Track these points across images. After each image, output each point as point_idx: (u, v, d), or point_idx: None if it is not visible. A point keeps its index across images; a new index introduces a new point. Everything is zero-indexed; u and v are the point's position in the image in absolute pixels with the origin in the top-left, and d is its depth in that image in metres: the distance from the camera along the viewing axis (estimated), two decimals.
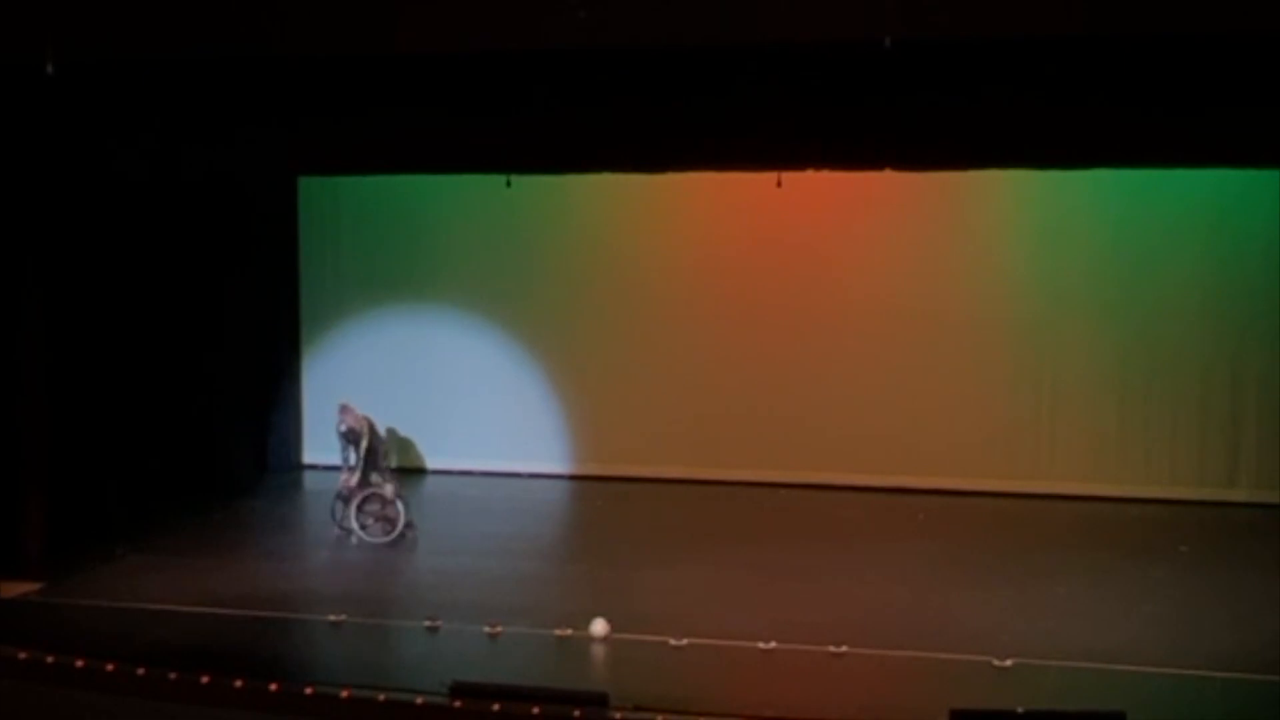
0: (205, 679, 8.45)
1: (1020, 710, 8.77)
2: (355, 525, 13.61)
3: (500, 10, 9.79)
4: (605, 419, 16.21)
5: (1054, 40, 9.65)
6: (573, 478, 16.27)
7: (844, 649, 10.66)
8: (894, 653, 10.65)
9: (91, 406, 13.80)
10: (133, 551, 13.24)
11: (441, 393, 16.33)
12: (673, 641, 10.81)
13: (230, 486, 15.43)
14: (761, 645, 10.75)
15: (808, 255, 15.66)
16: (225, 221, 15.40)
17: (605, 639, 11.01)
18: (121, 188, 13.73)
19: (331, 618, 11.47)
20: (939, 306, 15.41)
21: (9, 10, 10.07)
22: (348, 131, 12.04)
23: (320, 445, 16.09)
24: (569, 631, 11.07)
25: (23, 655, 8.78)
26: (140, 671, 8.68)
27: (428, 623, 11.29)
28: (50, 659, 8.68)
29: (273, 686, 8.59)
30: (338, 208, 16.64)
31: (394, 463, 14.65)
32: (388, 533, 13.59)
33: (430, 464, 16.40)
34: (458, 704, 8.60)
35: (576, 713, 8.41)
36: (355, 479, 13.67)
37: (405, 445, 16.06)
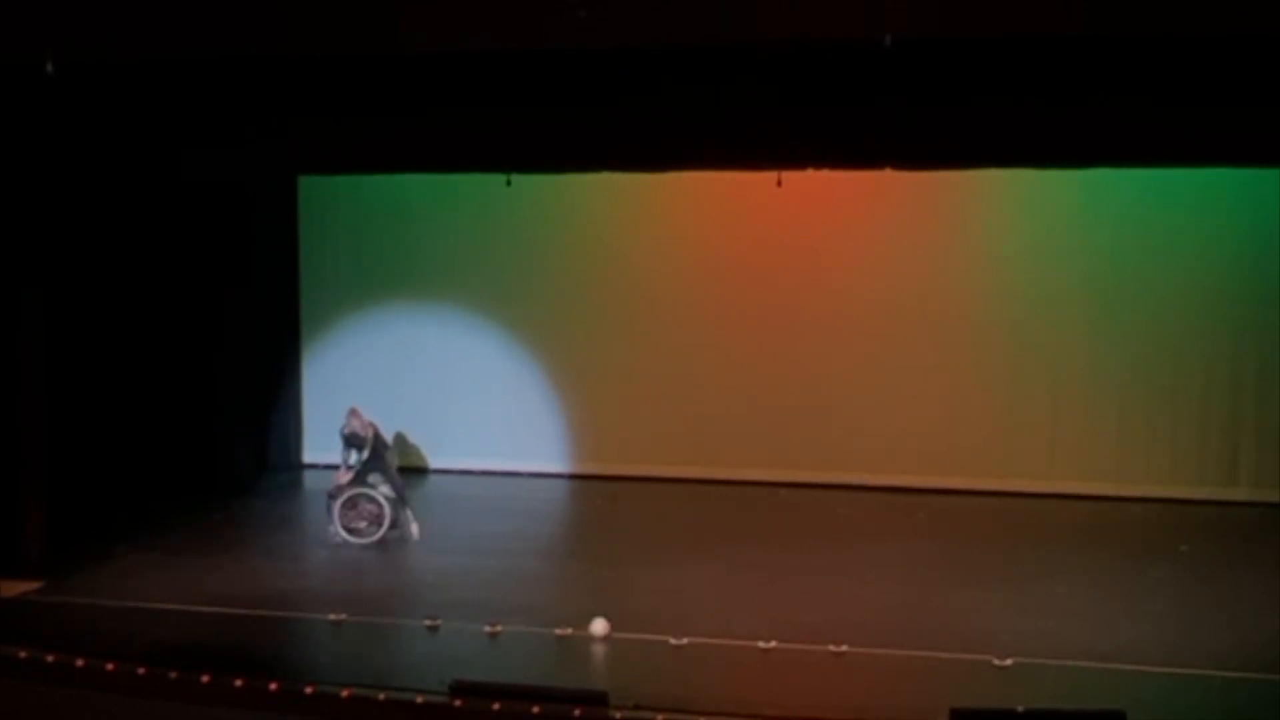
0: (205, 678, 8.44)
1: (1020, 710, 8.76)
2: (338, 523, 13.61)
3: (500, 10, 9.80)
4: (605, 419, 16.21)
5: (1054, 40, 9.65)
6: (573, 477, 16.27)
7: (844, 648, 10.66)
8: (894, 652, 10.66)
9: (92, 406, 13.81)
10: (133, 551, 13.26)
11: (441, 392, 16.33)
12: (673, 641, 10.82)
13: (230, 486, 15.44)
14: (761, 645, 10.76)
15: (808, 255, 15.66)
16: (225, 222, 15.40)
17: (605, 638, 11.02)
18: (122, 188, 13.75)
19: (331, 617, 11.48)
20: (939, 306, 15.41)
21: (9, 10, 10.07)
22: (348, 131, 12.06)
23: (320, 444, 16.10)
24: (569, 631, 11.08)
25: (23, 655, 8.78)
26: (140, 671, 8.67)
27: (428, 622, 11.30)
28: (50, 659, 8.67)
29: (273, 686, 8.58)
30: (338, 208, 16.64)
31: (395, 464, 14.62)
32: (373, 534, 13.59)
33: (430, 463, 16.40)
34: (458, 703, 8.59)
35: (576, 712, 8.40)
36: (346, 479, 13.68)
37: (405, 445, 16.05)
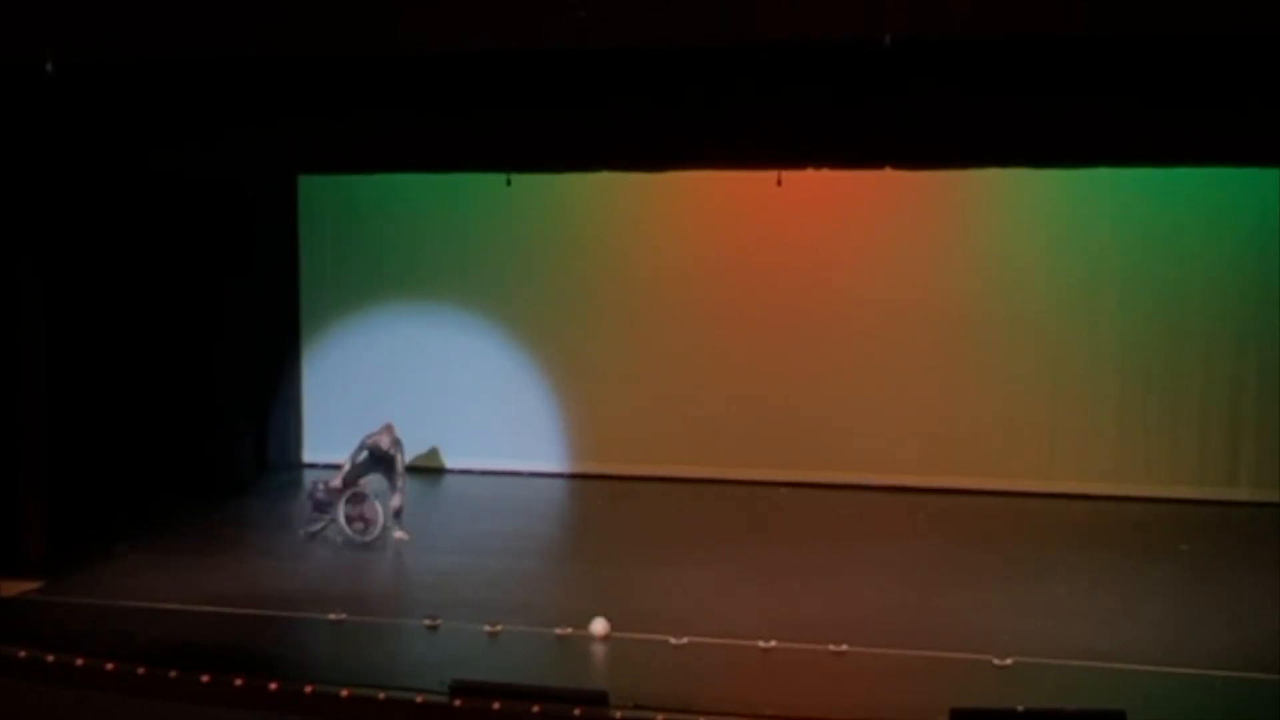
0: (205, 678, 8.45)
1: (1020, 709, 8.77)
2: (309, 521, 13.63)
3: (500, 10, 9.80)
4: (605, 418, 16.20)
5: (1054, 40, 9.65)
6: (572, 476, 16.27)
7: (844, 648, 10.66)
8: (894, 652, 10.66)
9: (92, 406, 13.81)
10: (133, 550, 13.25)
11: (441, 392, 16.32)
12: (673, 640, 10.82)
13: (230, 485, 15.44)
14: (761, 645, 10.76)
15: (808, 255, 15.65)
16: (225, 221, 15.40)
17: (605, 638, 11.01)
18: (121, 187, 13.74)
19: (331, 616, 11.48)
20: (939, 306, 15.40)
21: (9, 10, 10.08)
22: (348, 131, 12.04)
23: (320, 444, 16.12)
24: (569, 630, 11.07)
25: (23, 654, 8.79)
26: (140, 671, 8.69)
27: (427, 621, 11.30)
28: (50, 658, 8.68)
29: (272, 686, 8.59)
30: (338, 208, 16.64)
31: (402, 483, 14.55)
32: (361, 532, 13.58)
33: (429, 463, 16.39)
34: (457, 703, 8.60)
35: (576, 711, 8.41)
36: (340, 480, 13.67)
37: (405, 445, 16.01)
